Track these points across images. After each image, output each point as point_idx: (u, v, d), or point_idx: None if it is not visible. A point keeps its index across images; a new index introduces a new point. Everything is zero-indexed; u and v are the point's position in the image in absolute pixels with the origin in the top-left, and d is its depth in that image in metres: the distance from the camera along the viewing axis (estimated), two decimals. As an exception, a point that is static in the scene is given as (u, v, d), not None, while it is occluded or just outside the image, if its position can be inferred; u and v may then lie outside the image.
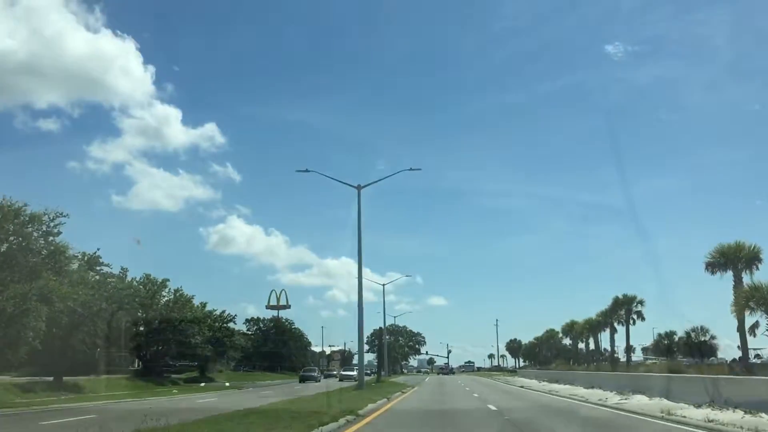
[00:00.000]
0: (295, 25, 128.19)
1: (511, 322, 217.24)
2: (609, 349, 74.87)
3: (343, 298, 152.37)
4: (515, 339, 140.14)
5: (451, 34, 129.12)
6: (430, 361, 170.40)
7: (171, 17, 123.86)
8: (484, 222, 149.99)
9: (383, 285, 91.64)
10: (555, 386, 40.39)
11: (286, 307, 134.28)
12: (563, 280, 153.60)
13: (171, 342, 53.64)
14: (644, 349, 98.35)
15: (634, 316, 65.56)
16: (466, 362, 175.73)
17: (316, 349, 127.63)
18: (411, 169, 36.66)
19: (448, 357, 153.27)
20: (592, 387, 32.30)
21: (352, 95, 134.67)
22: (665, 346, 72.15)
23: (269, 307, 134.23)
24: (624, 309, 65.88)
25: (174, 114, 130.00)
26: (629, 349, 71.69)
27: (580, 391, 31.72)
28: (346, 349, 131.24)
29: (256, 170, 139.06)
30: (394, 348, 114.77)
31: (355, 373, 55.31)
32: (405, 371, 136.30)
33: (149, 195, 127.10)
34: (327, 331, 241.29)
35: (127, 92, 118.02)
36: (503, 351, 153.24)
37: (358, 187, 33.48)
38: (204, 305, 64.54)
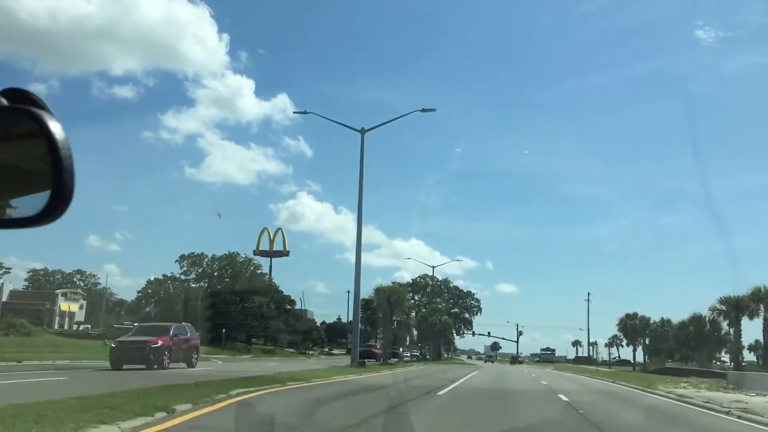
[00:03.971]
0: (373, 5, 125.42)
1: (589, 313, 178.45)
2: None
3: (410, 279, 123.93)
4: (634, 314, 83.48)
5: (534, 13, 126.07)
6: (494, 346, 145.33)
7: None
8: (560, 208, 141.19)
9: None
10: None
11: (283, 253, 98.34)
12: (643, 270, 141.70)
13: None
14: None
15: None
16: (542, 350, 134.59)
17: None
18: (423, 110, 34.69)
19: (517, 341, 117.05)
20: None
21: (428, 76, 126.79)
22: None
23: (258, 252, 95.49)
24: None
25: (247, 85, 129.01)
26: None
27: None
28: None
29: (328, 146, 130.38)
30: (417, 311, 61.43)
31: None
32: (446, 355, 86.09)
33: (221, 167, 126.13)
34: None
35: (200, 61, 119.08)
36: (596, 334, 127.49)
37: (362, 131, 31.19)
38: None
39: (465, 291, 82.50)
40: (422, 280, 78.68)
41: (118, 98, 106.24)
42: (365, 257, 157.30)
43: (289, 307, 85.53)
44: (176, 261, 77.42)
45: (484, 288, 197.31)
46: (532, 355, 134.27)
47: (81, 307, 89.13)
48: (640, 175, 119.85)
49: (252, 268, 79.48)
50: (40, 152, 1.25)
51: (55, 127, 1.23)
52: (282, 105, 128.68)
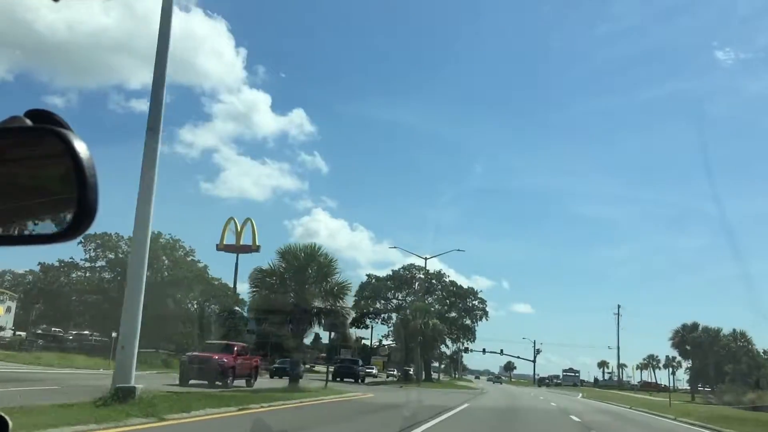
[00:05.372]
0: (390, 24, 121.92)
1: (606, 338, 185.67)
2: None
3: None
4: (694, 324, 61.76)
5: (554, 35, 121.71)
6: (508, 366, 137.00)
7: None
8: (577, 229, 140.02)
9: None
10: None
11: (252, 248, 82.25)
12: (662, 292, 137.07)
13: None
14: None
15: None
16: (565, 371, 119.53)
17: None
18: None
19: (534, 360, 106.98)
20: None
21: (444, 96, 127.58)
22: None
23: (222, 247, 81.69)
24: None
25: (263, 99, 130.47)
26: None
27: None
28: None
29: (344, 162, 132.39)
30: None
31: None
32: (454, 375, 68.10)
33: (237, 183, 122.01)
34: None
35: (218, 75, 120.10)
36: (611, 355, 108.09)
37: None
38: None
39: (466, 288, 61.70)
40: (407, 272, 58.09)
41: (135, 112, 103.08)
42: (380, 274, 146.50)
43: (237, 309, 65.95)
44: (79, 243, 57.31)
45: (500, 308, 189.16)
46: (550, 377, 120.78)
47: (8, 310, 71.73)
48: (658, 196, 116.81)
49: (181, 252, 59.22)
50: (63, 171, 1.27)
51: (80, 146, 1.26)
52: (298, 120, 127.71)
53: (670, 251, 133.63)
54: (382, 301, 59.39)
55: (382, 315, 58.26)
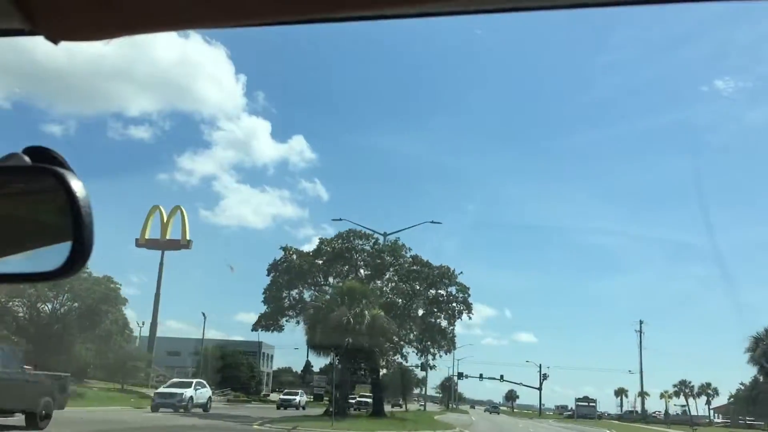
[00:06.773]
0: (392, 51, 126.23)
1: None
2: None
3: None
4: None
5: (552, 65, 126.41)
6: (510, 395, 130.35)
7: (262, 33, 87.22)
8: (582, 256, 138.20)
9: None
10: None
11: (180, 244, 68.61)
12: (666, 324, 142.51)
13: None
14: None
15: None
16: (579, 400, 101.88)
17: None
18: None
19: (540, 388, 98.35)
20: None
21: (447, 125, 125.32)
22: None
23: (144, 242, 67.96)
24: None
25: (263, 126, 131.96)
26: None
27: None
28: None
29: (345, 189, 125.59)
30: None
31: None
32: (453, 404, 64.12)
33: (237, 210, 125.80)
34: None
35: (217, 102, 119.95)
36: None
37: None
38: None
39: (437, 267, 38.98)
40: (344, 243, 36.66)
41: (134, 139, 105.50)
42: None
43: (106, 308, 46.45)
44: None
45: (502, 337, 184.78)
46: (557, 407, 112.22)
47: None
48: (660, 226, 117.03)
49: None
50: (60, 209, 1.29)
51: (77, 186, 1.28)
52: (299, 147, 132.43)
53: (672, 281, 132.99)
54: (314, 290, 38.62)
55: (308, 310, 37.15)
